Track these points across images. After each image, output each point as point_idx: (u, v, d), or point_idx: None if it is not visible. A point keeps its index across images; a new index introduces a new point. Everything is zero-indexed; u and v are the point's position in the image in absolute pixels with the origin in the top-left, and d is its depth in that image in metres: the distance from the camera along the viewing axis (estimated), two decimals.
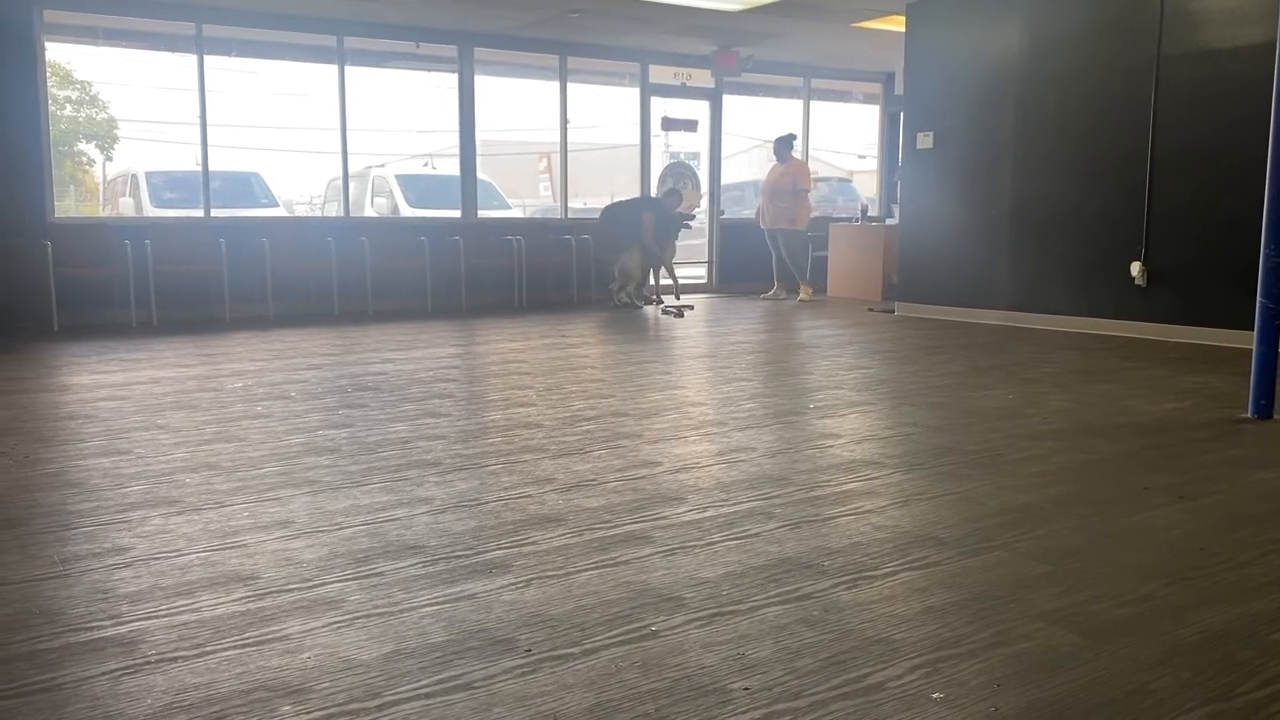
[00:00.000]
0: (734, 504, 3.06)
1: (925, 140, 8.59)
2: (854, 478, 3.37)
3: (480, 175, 15.53)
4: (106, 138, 17.75)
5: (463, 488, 3.26)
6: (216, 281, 8.57)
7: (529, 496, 3.15)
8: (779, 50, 11.12)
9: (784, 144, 10.32)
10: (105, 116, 17.76)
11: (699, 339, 7.42)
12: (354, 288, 9.22)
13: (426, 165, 15.60)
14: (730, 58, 10.71)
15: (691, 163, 11.97)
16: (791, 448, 3.80)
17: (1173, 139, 6.95)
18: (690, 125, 11.47)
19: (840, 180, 18.67)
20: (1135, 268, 7.12)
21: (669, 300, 10.01)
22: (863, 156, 18.25)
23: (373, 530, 2.82)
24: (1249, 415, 4.32)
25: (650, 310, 9.77)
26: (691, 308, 9.59)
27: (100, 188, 17.19)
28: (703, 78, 11.32)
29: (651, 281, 10.33)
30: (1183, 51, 6.87)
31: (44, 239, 7.92)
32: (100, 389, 5.18)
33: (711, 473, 3.43)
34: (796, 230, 10.31)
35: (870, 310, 9.29)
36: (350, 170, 17.21)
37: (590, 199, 22.13)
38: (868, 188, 17.97)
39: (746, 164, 20.67)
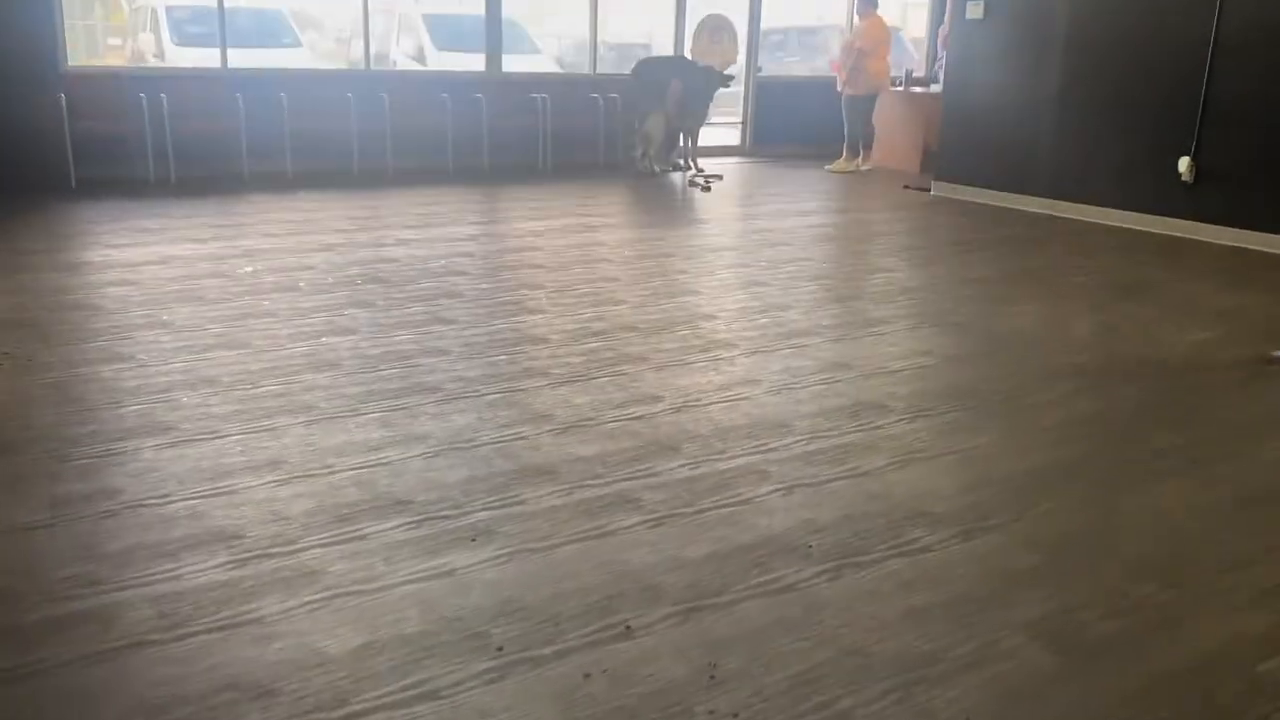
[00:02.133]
0: (729, 457, 3.00)
1: (975, 9, 8.07)
2: (856, 425, 3.30)
3: (507, 15, 15.00)
4: None
5: (459, 423, 3.22)
6: (235, 138, 8.38)
7: (524, 439, 3.11)
8: None
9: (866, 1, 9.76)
10: None
11: (722, 222, 7.22)
12: (374, 145, 9.00)
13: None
14: None
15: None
16: (798, 381, 3.71)
17: (1237, 23, 6.46)
18: None
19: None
20: (1183, 163, 6.76)
21: (697, 170, 9.72)
22: None
23: (363, 479, 2.80)
24: None
25: (677, 178, 9.50)
26: (720, 178, 9.30)
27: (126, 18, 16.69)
28: None
29: (681, 143, 10.01)
30: None
31: (58, 91, 7.73)
32: (109, 269, 5.14)
33: (711, 415, 3.36)
34: (855, 95, 9.85)
35: (906, 188, 8.97)
36: (377, 6, 16.49)
37: (625, 35, 21.26)
38: (918, 28, 17.09)
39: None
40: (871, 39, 9.72)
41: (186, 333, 4.10)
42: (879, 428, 3.29)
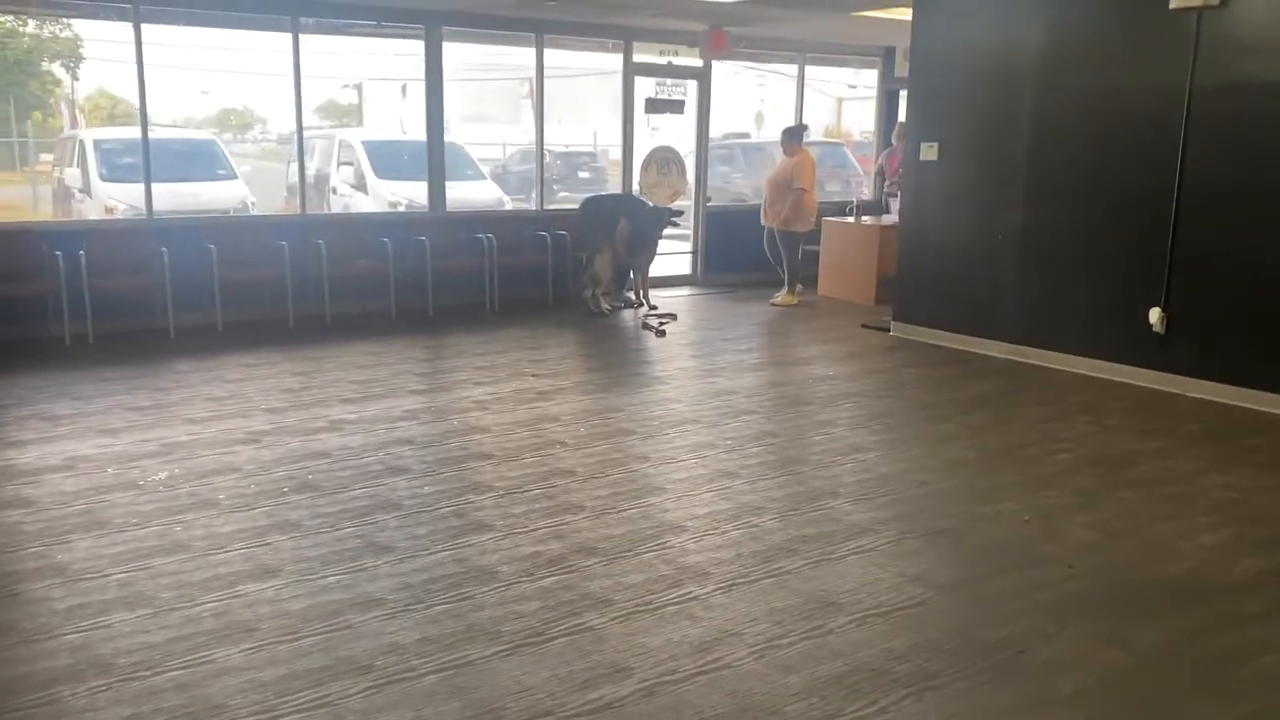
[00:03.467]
0: None
1: (930, 151, 7.94)
2: (856, 709, 2.86)
3: (451, 139, 14.79)
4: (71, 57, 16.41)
5: None
6: (159, 291, 7.90)
7: None
8: (773, 29, 10.35)
9: (792, 136, 9.57)
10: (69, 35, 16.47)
11: (679, 382, 6.86)
12: (310, 291, 8.57)
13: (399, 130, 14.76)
14: (720, 38, 9.94)
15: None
16: (784, 636, 3.28)
17: (1203, 175, 6.35)
18: (677, 107, 10.73)
19: (830, 144, 17.77)
20: (1154, 314, 6.57)
21: (649, 308, 9.41)
22: (853, 86, 16.86)
23: None
24: None
25: (629, 315, 9.17)
26: (674, 317, 9.00)
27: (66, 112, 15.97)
28: (690, 54, 10.54)
29: (632, 279, 9.72)
30: (1217, 83, 6.23)
31: None
32: (4, 481, 4.59)
33: (690, 698, 2.90)
34: (791, 232, 9.65)
35: (864, 327, 8.72)
36: (313, 136, 16.21)
37: (573, 126, 21.13)
38: (862, 122, 17.02)
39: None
40: (810, 178, 9.58)
41: (83, 583, 3.58)
42: (885, 711, 2.86)
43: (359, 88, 19.55)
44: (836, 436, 5.52)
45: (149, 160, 8.21)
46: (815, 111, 12.36)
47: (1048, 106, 7.18)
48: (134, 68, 8.01)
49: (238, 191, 11.99)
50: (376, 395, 6.22)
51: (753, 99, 19.93)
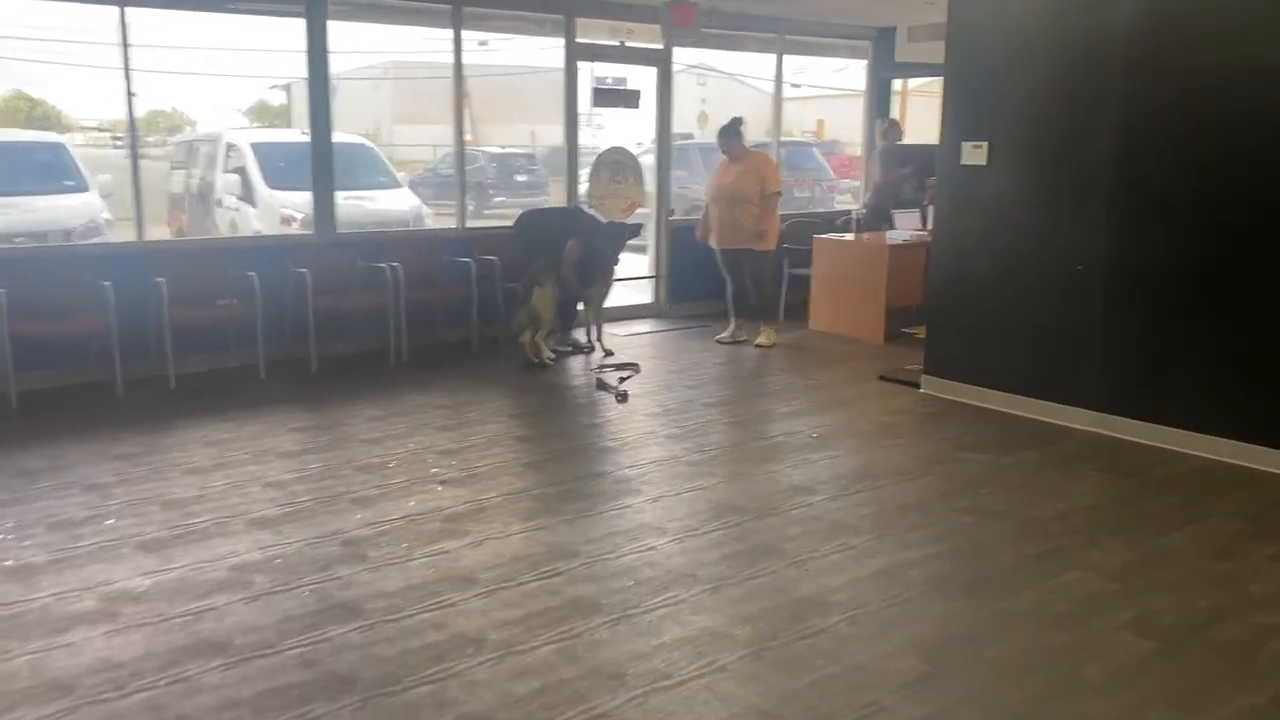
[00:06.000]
0: None
1: (976, 153, 5.97)
2: None
3: (360, 140, 12.53)
4: None
5: None
6: None
7: None
8: (749, 3, 8.36)
9: (731, 134, 7.47)
10: None
11: (657, 488, 4.78)
12: (148, 345, 6.37)
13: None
14: (687, 11, 7.90)
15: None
16: None
17: None
18: (631, 99, 8.67)
19: (797, 144, 15.77)
20: None
21: (604, 353, 7.35)
22: (796, 86, 14.76)
23: None
24: None
25: (578, 366, 7.09)
26: (637, 369, 6.92)
27: None
28: (648, 34, 8.50)
29: (581, 314, 7.66)
30: None
31: None
32: None
33: None
34: (768, 251, 7.65)
35: (883, 379, 6.74)
36: (200, 132, 13.79)
37: (507, 126, 18.99)
38: (842, 120, 15.20)
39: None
40: (777, 178, 7.57)
41: None
42: None
43: (288, 88, 17.25)
44: (914, 609, 3.49)
45: None
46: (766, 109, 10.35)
47: (1145, 93, 5.25)
48: None
49: (88, 207, 9.66)
50: (197, 531, 4.06)
51: (693, 98, 18.08)
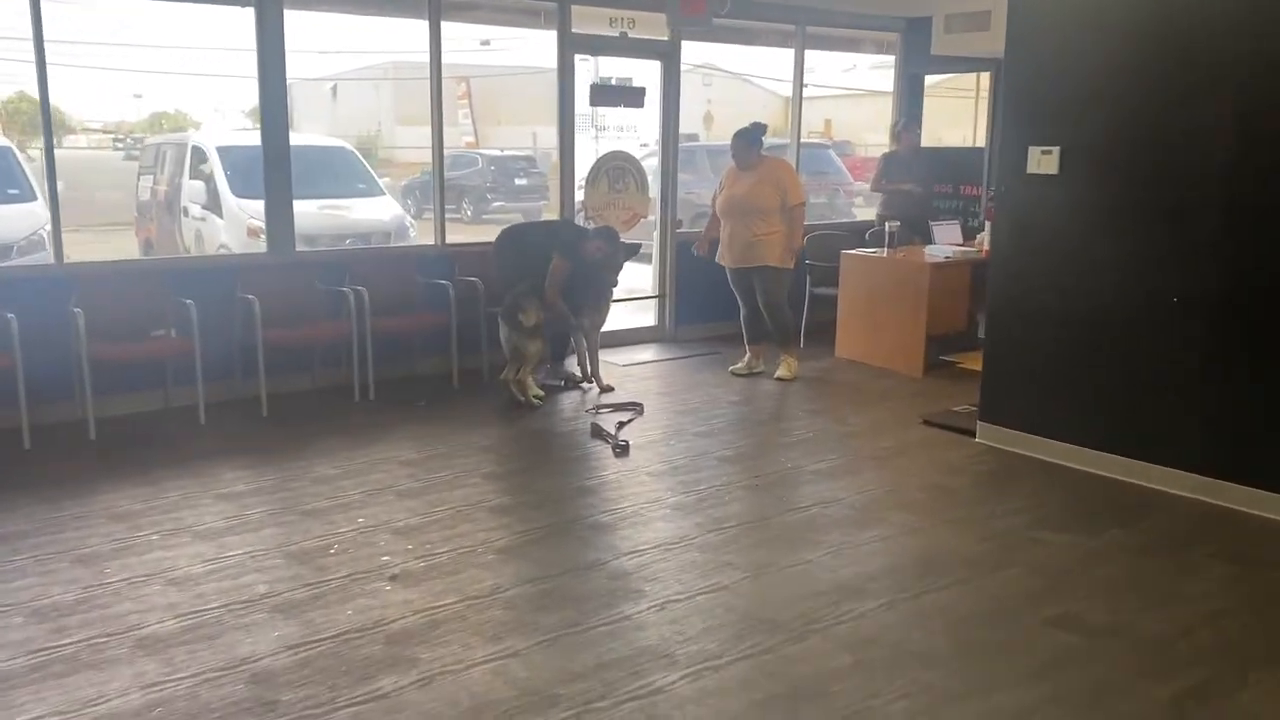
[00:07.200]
0: None
1: (1045, 160, 4.99)
2: None
3: (339, 144, 11.53)
4: None
5: None
6: None
7: None
8: None
9: (750, 140, 6.50)
10: None
11: (665, 585, 3.80)
12: (64, 385, 5.43)
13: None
14: (699, 1, 6.92)
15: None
16: None
17: None
18: (635, 97, 7.70)
19: (817, 146, 14.68)
20: None
21: (601, 390, 6.38)
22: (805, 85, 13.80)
23: None
24: None
25: (570, 405, 6.12)
26: (639, 411, 5.96)
27: None
28: (652, 25, 7.52)
29: (574, 346, 6.70)
30: None
31: None
32: None
33: None
34: (786, 269, 6.66)
35: (926, 424, 5.76)
36: (166, 135, 12.79)
37: (509, 126, 18.01)
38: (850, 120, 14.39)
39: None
40: (800, 188, 6.59)
41: None
42: None
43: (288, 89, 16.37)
44: None
45: None
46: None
47: (1265, 91, 4.27)
48: None
49: (33, 217, 8.70)
50: (62, 659, 3.09)
51: (699, 98, 17.12)
